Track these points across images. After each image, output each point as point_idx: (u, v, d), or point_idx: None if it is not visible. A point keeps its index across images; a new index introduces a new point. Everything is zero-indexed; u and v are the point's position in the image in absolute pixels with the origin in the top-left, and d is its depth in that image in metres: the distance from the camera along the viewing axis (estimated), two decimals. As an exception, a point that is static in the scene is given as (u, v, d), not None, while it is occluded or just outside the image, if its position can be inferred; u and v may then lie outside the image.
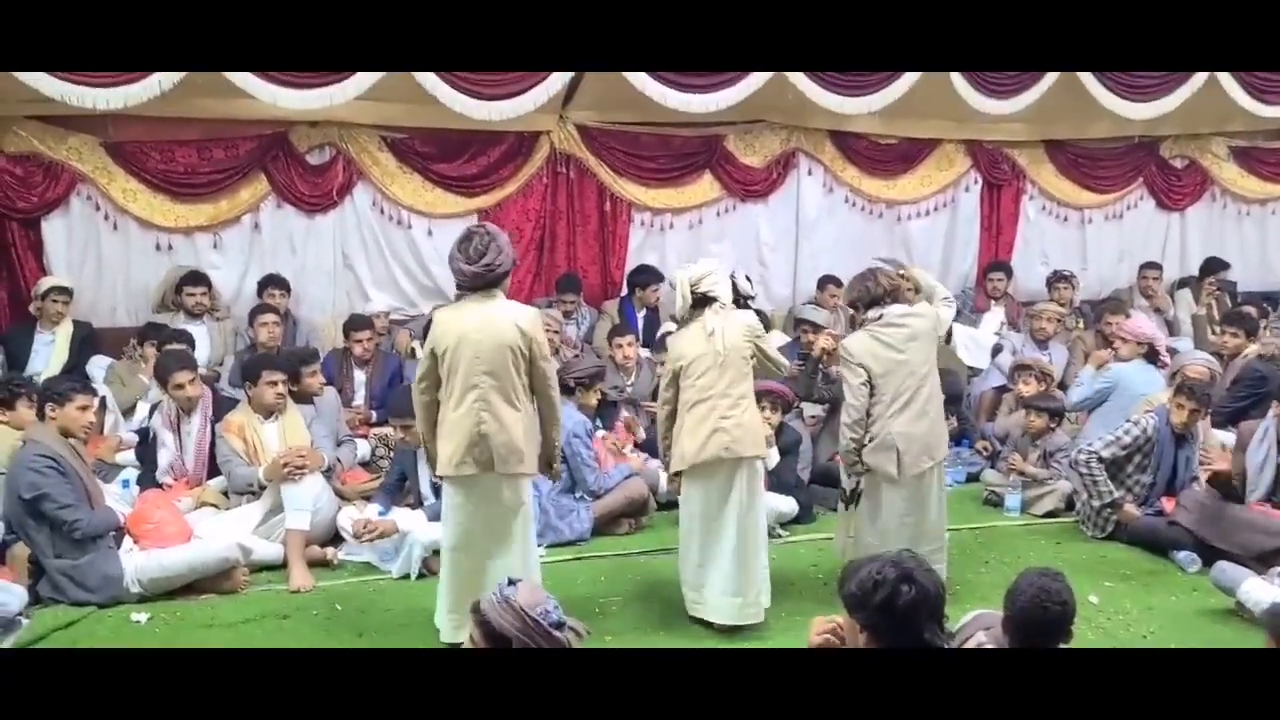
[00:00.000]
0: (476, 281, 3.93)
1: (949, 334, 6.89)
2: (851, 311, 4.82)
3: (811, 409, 6.26)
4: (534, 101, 6.18)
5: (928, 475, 4.36)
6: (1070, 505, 5.62)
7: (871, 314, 4.38)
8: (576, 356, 6.11)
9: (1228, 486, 5.04)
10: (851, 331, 4.74)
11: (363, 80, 5.74)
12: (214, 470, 5.19)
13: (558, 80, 6.21)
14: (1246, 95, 7.35)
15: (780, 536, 5.28)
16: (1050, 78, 6.88)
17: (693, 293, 4.25)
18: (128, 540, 4.58)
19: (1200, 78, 7.13)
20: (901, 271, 4.87)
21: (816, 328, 6.41)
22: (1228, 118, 7.98)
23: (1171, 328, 7.98)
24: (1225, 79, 7.22)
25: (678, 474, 4.30)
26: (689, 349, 4.23)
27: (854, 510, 4.45)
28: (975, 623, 3.08)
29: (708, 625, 4.25)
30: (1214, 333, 7.31)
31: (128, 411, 5.90)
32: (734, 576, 4.19)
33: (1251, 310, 7.09)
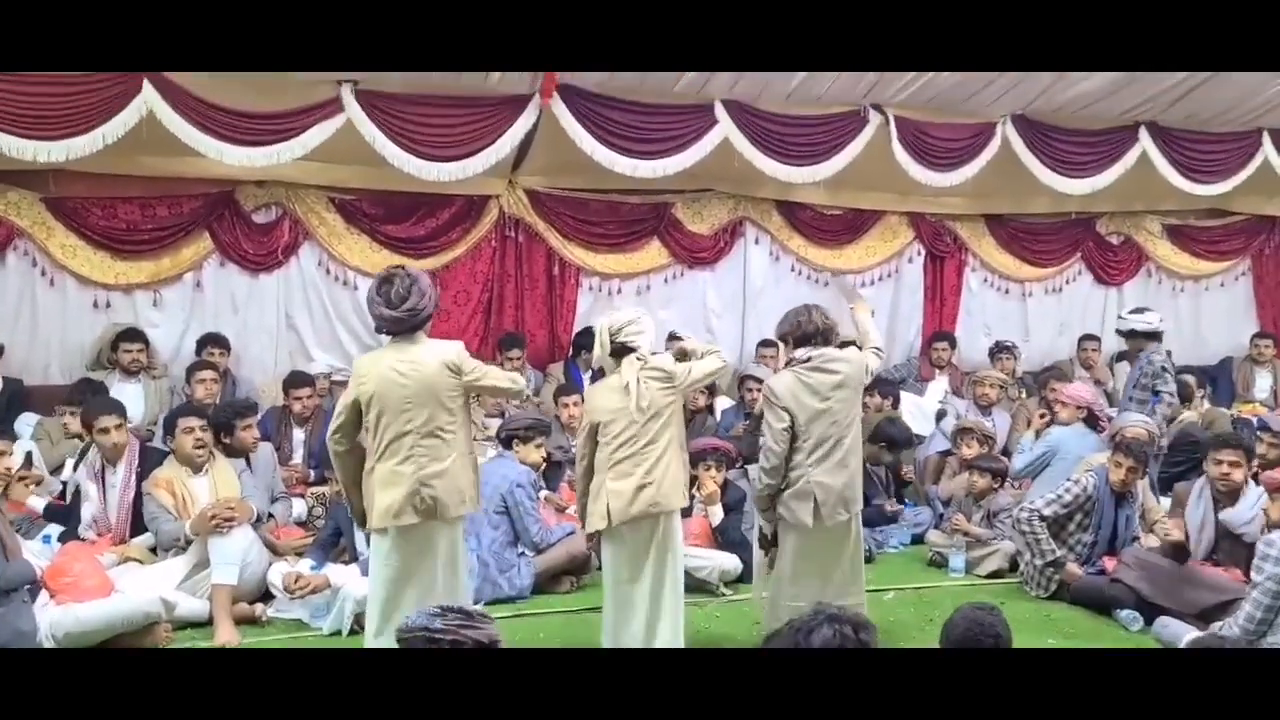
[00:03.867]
0: (398, 326, 3.82)
1: (896, 400, 7.03)
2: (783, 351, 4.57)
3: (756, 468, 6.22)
4: (483, 164, 6.22)
5: (844, 527, 4.27)
6: (1014, 566, 5.60)
7: (800, 353, 4.24)
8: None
9: (1181, 552, 5.04)
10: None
11: (309, 138, 5.78)
12: (138, 527, 5.01)
13: (507, 144, 6.25)
14: (1178, 174, 7.53)
15: (724, 595, 5.21)
16: (989, 152, 7.05)
17: (612, 341, 4.07)
18: (44, 595, 4.38)
19: (1133, 155, 7.35)
20: (852, 305, 4.73)
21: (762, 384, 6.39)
22: (1162, 196, 8.18)
23: (1111, 398, 8.11)
24: (1158, 159, 7.41)
25: (596, 533, 4.11)
26: (606, 404, 4.06)
27: (769, 567, 4.35)
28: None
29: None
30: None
31: (55, 470, 5.75)
32: (650, 625, 4.05)
33: (1189, 379, 7.24)
